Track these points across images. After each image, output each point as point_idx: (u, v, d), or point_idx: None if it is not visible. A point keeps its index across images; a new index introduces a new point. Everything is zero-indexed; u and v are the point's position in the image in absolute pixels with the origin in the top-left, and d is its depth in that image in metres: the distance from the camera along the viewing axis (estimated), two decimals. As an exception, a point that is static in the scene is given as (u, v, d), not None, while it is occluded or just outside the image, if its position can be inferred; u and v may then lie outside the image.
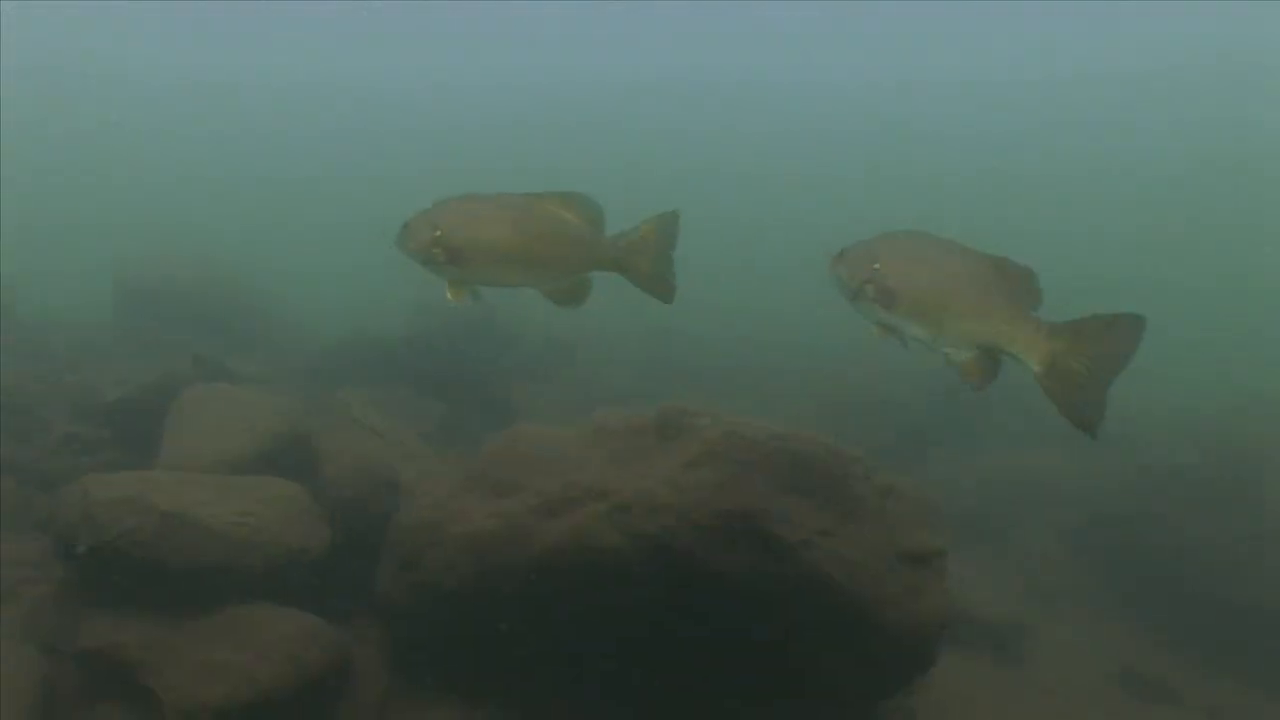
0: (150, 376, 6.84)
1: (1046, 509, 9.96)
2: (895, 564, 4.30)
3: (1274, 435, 9.69)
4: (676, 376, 11.63)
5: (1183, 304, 18.75)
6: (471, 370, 9.37)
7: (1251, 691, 7.22)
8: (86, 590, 4.91)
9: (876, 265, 3.37)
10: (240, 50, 40.66)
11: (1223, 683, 7.34)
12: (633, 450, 4.65)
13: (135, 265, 11.22)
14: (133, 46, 39.83)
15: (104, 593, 4.78)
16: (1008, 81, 41.78)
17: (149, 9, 37.08)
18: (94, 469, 6.21)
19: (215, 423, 5.86)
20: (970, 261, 3.29)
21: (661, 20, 42.24)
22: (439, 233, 3.72)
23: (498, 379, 9.51)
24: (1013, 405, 11.73)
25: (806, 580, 4.04)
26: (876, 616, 4.12)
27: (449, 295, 3.82)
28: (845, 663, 4.18)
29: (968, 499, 9.57)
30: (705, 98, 42.93)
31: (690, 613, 4.17)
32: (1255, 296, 22.35)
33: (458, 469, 5.15)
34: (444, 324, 10.28)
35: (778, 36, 42.68)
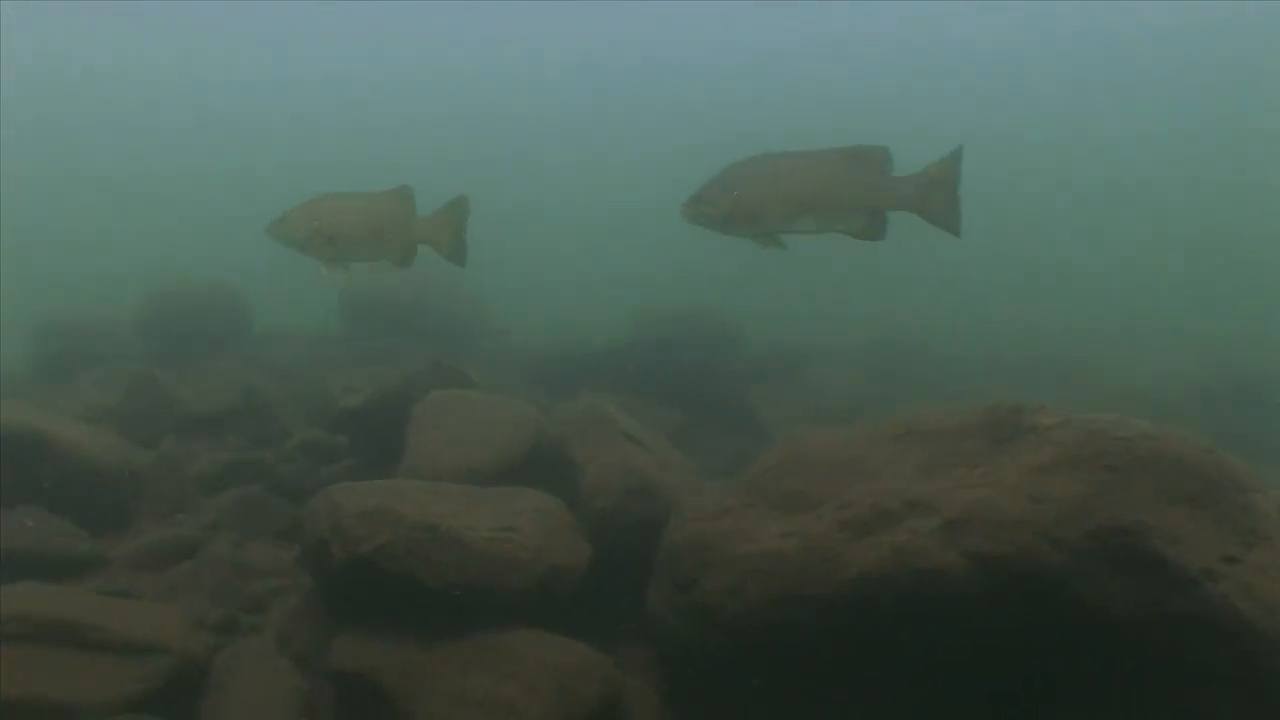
0: (387, 383, 6.59)
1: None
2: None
3: None
4: (910, 385, 10.71)
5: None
6: (699, 377, 8.80)
7: None
8: (337, 605, 4.58)
9: (736, 192, 4.27)
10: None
11: None
12: (953, 455, 3.88)
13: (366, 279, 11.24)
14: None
15: (355, 609, 4.42)
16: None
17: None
18: (333, 476, 5.98)
19: (460, 430, 5.48)
20: (817, 158, 4.28)
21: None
22: (317, 223, 4.92)
23: (728, 385, 8.90)
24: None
25: (1210, 618, 3.16)
26: (1300, 668, 3.20)
27: (325, 271, 5.05)
28: (1259, 727, 3.27)
29: None
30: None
31: (1049, 654, 3.37)
32: None
33: (734, 479, 4.53)
34: (666, 330, 9.80)
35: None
